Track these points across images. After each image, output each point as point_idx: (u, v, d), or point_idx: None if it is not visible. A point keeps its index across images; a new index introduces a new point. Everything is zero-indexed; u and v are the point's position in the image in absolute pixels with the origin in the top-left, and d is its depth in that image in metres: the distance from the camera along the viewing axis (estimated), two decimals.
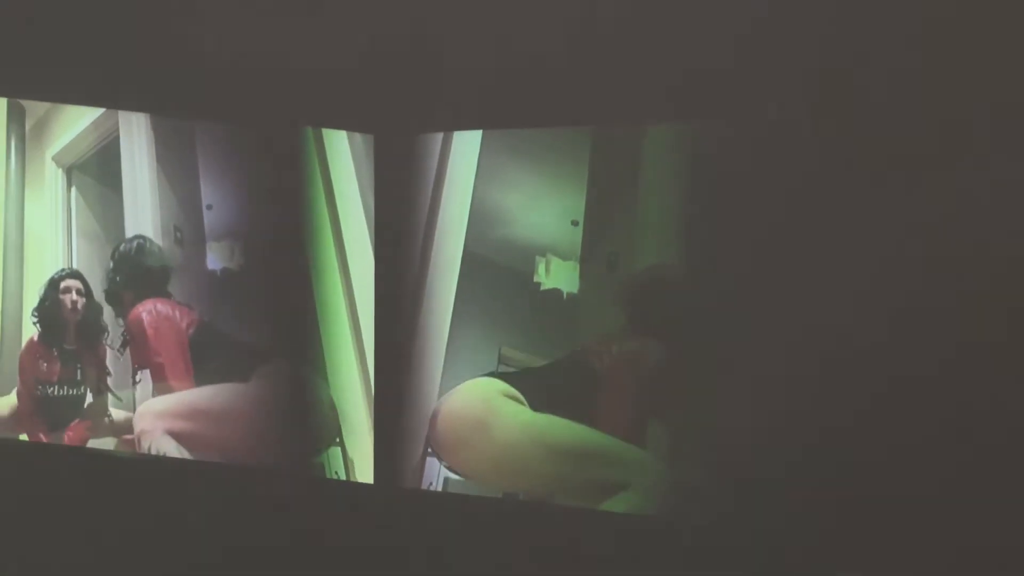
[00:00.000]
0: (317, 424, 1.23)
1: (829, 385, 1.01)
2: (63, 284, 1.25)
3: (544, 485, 1.15)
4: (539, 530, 1.16)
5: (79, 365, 1.26)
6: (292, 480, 1.24)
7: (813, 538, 1.03)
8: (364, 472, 1.23)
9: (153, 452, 1.24)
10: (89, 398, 1.27)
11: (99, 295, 1.26)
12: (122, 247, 1.24)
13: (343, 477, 1.23)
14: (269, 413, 1.23)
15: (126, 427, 1.26)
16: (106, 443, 1.27)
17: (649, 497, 1.10)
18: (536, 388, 1.16)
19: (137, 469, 1.26)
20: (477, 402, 1.17)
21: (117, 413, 1.27)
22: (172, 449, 1.23)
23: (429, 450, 1.20)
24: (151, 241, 1.24)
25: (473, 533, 1.19)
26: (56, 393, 1.26)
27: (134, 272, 1.24)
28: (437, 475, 1.20)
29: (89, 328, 1.26)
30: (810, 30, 1.01)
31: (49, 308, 1.25)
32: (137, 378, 1.25)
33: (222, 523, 1.25)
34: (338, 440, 1.24)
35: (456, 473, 1.19)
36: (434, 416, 1.19)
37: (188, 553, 1.25)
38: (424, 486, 1.20)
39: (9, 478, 1.28)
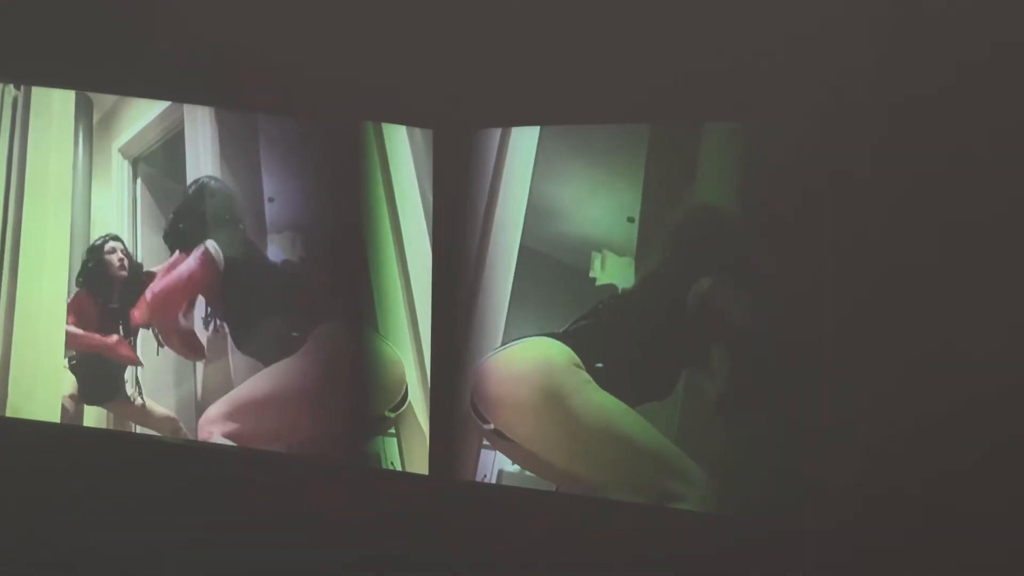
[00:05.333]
0: (382, 377, 1.23)
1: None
2: (107, 246, 1.28)
3: (600, 474, 1.15)
4: (593, 526, 1.16)
5: (121, 322, 1.29)
6: (348, 471, 1.26)
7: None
8: (419, 463, 1.24)
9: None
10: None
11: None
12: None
13: (398, 468, 1.24)
14: (330, 374, 1.24)
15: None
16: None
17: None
18: (590, 344, 1.16)
19: (186, 456, 1.28)
20: (540, 364, 1.17)
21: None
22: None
23: (484, 442, 1.21)
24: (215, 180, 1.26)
25: (525, 526, 1.20)
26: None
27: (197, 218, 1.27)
28: (491, 467, 1.21)
29: (132, 288, 1.28)
30: (862, 32, 1.01)
31: (94, 268, 1.28)
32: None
33: (274, 514, 1.27)
34: (394, 420, 1.25)
35: (505, 437, 1.18)
36: (485, 372, 1.19)
37: (243, 546, 1.27)
38: (479, 478, 1.21)
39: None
